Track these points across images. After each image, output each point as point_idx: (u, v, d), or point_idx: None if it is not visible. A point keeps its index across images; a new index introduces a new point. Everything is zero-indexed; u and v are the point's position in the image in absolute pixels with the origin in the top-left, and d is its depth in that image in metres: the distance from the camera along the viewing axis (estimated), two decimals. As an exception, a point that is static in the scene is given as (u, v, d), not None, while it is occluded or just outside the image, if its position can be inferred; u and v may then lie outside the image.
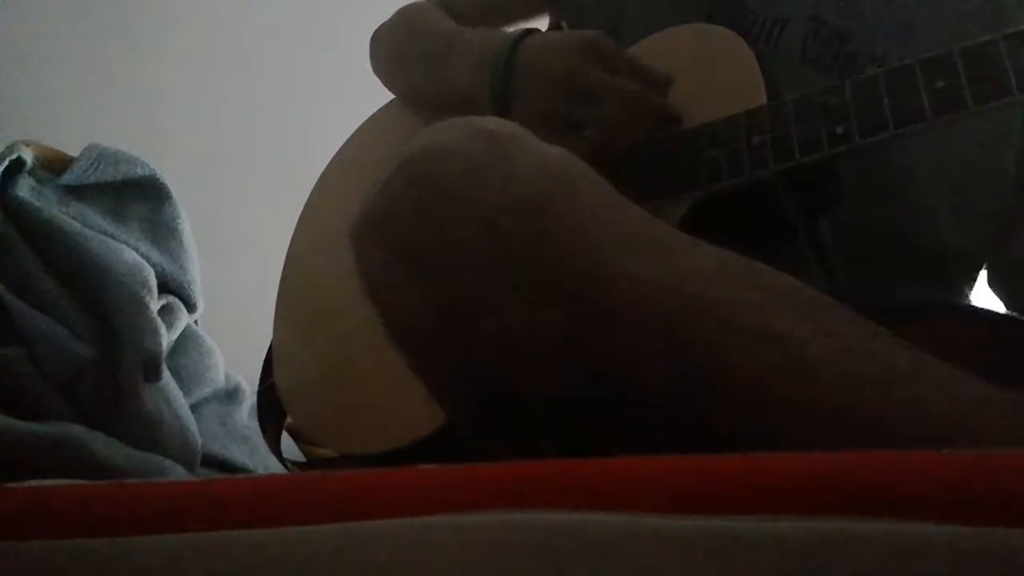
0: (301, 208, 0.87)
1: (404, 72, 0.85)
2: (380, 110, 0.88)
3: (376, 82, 0.90)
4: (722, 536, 0.23)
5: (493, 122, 0.43)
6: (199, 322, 1.07)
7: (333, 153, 0.89)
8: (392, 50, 0.88)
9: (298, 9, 1.47)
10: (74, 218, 0.92)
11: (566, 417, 0.38)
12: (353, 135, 0.88)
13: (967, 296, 0.65)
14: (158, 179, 1.01)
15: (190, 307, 1.03)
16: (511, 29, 0.73)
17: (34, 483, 0.34)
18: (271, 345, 0.79)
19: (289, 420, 0.74)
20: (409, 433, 0.59)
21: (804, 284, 0.37)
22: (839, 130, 0.54)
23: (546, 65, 0.65)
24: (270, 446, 0.77)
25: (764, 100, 0.59)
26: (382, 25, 0.90)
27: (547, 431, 0.39)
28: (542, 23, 0.87)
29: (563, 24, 0.84)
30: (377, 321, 0.42)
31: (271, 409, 0.74)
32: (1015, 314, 0.58)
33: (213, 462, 0.95)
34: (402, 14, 0.89)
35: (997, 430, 0.31)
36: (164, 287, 0.99)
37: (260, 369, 0.79)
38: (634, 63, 0.64)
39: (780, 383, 0.33)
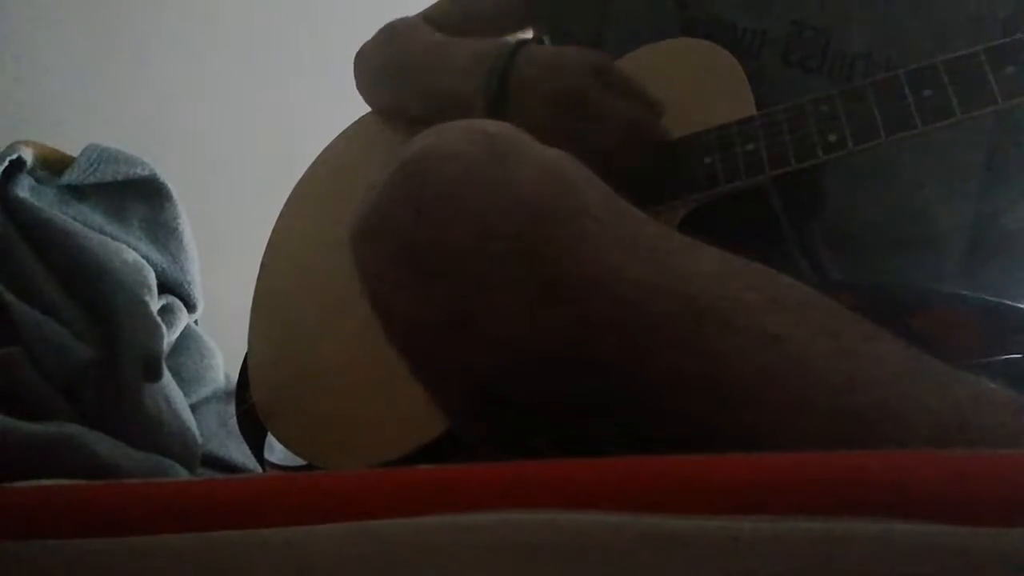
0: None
1: (390, 85, 0.84)
2: (352, 126, 0.87)
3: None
4: (722, 536, 0.23)
5: (492, 125, 0.43)
6: (199, 322, 1.07)
7: (333, 154, 0.88)
8: (378, 63, 0.87)
9: (300, 9, 1.47)
10: (74, 218, 0.92)
11: (565, 417, 0.38)
12: (325, 150, 0.87)
13: (959, 281, 0.65)
14: (158, 179, 1.01)
15: (190, 307, 1.03)
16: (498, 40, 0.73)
17: (34, 483, 0.34)
18: (245, 364, 0.77)
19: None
20: (402, 446, 0.58)
21: (802, 284, 0.38)
22: (832, 138, 0.56)
23: (554, 81, 0.65)
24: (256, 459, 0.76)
25: (753, 110, 0.61)
26: (367, 42, 0.90)
27: (547, 431, 0.39)
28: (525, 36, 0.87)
29: (545, 39, 0.84)
30: (374, 326, 0.41)
31: (252, 429, 0.72)
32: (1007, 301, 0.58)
33: (213, 462, 0.95)
34: (388, 28, 0.88)
35: (997, 430, 0.31)
36: (164, 287, 0.99)
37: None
38: (638, 89, 0.65)
39: (779, 384, 0.33)
